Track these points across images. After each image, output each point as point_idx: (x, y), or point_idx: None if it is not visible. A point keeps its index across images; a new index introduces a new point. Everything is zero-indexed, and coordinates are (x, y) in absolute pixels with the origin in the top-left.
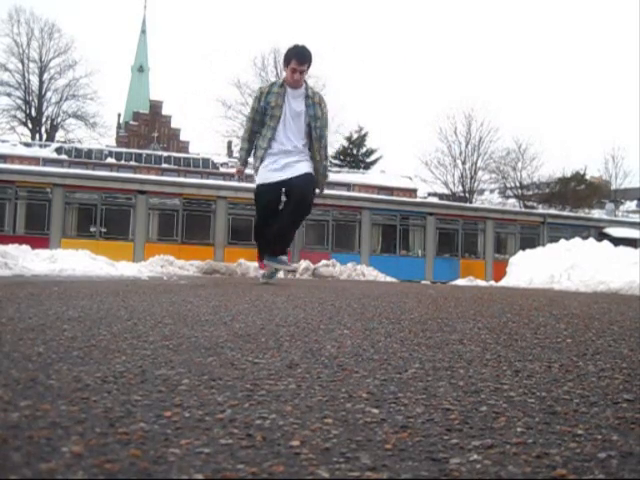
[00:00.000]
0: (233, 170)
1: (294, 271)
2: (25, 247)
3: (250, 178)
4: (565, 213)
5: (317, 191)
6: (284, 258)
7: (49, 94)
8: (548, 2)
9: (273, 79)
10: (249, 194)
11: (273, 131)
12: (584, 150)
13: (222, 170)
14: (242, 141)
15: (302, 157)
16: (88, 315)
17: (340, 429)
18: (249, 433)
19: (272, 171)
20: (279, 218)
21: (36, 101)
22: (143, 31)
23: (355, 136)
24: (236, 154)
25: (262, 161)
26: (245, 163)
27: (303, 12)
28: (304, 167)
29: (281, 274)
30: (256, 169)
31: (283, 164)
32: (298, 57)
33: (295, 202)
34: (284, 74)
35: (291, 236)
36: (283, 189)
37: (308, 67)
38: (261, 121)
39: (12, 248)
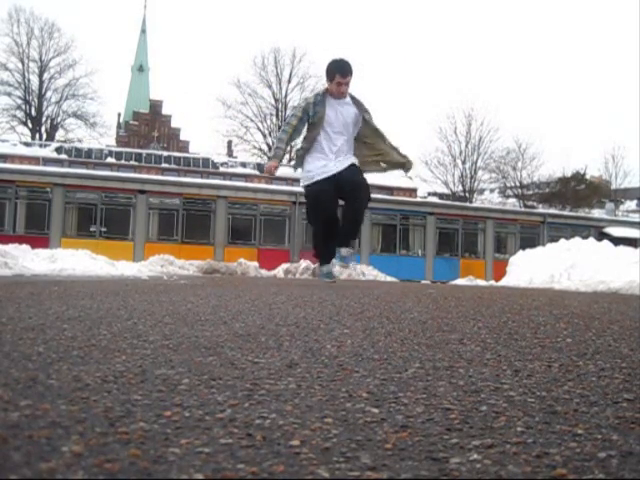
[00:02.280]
0: (268, 164)
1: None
2: (25, 247)
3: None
4: (565, 213)
5: (406, 170)
6: (346, 253)
7: (49, 94)
8: (549, 2)
9: (273, 79)
10: (249, 194)
11: (317, 137)
12: (584, 150)
13: (222, 170)
14: (279, 141)
15: (346, 157)
16: (88, 315)
17: (340, 429)
18: (249, 433)
19: (321, 172)
20: (339, 218)
21: (36, 101)
22: (143, 31)
23: None
24: (262, 157)
25: (307, 164)
26: (280, 160)
27: (303, 12)
28: (349, 161)
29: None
30: (303, 174)
31: (329, 164)
32: (341, 71)
33: (350, 191)
34: (320, 86)
35: (355, 228)
36: (334, 188)
37: (351, 78)
38: (300, 130)
39: (12, 248)
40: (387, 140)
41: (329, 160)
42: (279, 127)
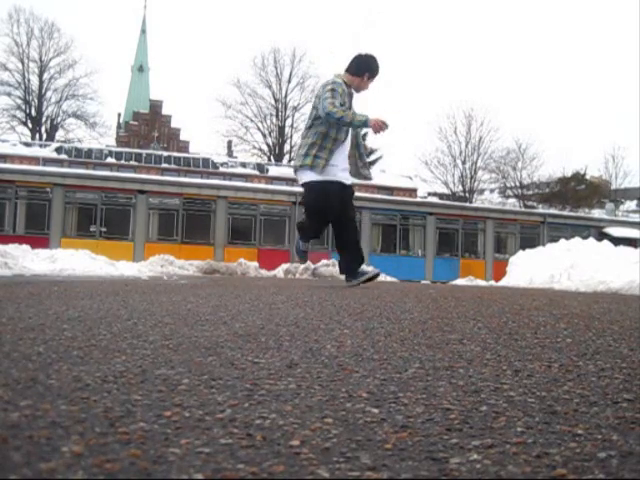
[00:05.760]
0: (375, 119)
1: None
2: (25, 247)
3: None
4: (565, 213)
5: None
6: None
7: (49, 94)
8: (548, 3)
9: (273, 79)
10: (249, 194)
11: (330, 136)
12: (584, 150)
13: (222, 170)
14: (351, 113)
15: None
16: (88, 315)
17: (340, 429)
18: (249, 433)
19: (335, 171)
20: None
21: (36, 101)
22: (143, 31)
23: None
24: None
25: (325, 162)
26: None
27: (303, 12)
28: (350, 181)
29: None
30: (315, 167)
31: (343, 169)
32: (377, 72)
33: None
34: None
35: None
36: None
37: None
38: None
39: (12, 248)
40: (361, 149)
41: (340, 163)
42: (279, 127)
